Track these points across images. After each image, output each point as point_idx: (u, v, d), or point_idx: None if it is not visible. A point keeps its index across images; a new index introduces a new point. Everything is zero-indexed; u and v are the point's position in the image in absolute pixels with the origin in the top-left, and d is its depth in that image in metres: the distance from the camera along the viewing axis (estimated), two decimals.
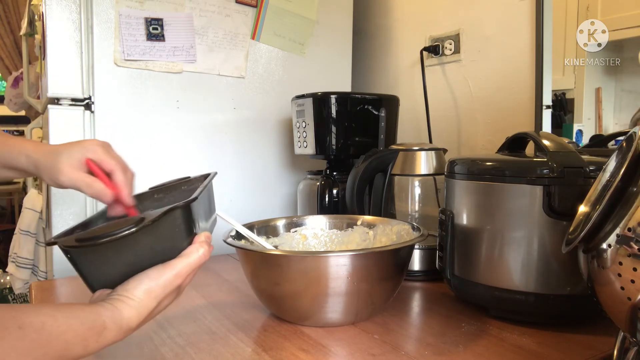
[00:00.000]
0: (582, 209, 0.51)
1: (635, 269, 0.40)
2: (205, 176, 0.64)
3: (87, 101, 0.98)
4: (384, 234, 0.80)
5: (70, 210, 0.98)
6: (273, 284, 0.65)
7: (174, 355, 0.58)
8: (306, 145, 1.07)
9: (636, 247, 0.40)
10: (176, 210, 0.47)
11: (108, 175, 0.57)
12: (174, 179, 0.69)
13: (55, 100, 0.96)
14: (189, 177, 0.69)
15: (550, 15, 0.95)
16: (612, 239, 0.42)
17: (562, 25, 0.96)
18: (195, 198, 0.50)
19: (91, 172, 0.57)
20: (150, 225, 0.44)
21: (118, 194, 0.56)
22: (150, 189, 0.69)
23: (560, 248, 0.52)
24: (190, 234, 0.50)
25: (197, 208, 0.52)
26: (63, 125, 0.97)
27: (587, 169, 0.60)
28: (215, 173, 0.65)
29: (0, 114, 3.67)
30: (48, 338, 0.37)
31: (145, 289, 0.45)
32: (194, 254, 0.48)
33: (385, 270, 0.66)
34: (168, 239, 0.48)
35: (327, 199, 1.05)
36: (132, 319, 0.43)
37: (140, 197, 0.64)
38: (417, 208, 0.91)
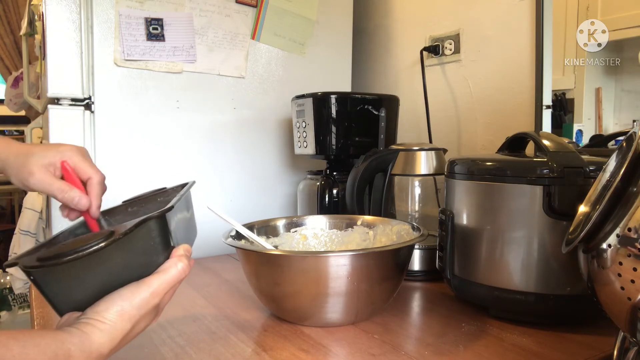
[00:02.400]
0: (582, 209, 0.51)
1: (635, 269, 0.40)
2: (183, 185, 0.60)
3: (87, 101, 0.98)
4: (384, 234, 0.80)
5: None
6: (273, 284, 0.65)
7: (174, 355, 0.58)
8: (306, 145, 1.07)
9: (636, 247, 0.40)
10: (150, 221, 0.43)
11: (83, 183, 0.54)
12: (149, 190, 0.65)
13: (55, 100, 0.96)
14: (165, 188, 0.65)
15: (550, 15, 0.95)
16: (612, 239, 0.42)
17: (562, 25, 0.96)
18: (171, 207, 0.45)
19: (63, 178, 0.53)
20: (121, 239, 0.41)
21: (85, 204, 0.53)
22: (123, 202, 0.64)
23: (560, 248, 0.52)
24: (167, 248, 0.46)
25: (174, 218, 0.48)
26: (63, 125, 0.97)
27: (587, 169, 0.60)
28: (194, 182, 0.61)
29: (0, 114, 3.67)
30: None
31: (117, 311, 0.40)
32: (172, 269, 0.44)
33: (385, 270, 0.66)
34: (142, 253, 0.44)
35: (327, 199, 1.05)
36: (104, 344, 0.39)
37: (112, 212, 0.60)
38: (417, 208, 0.91)
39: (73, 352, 0.37)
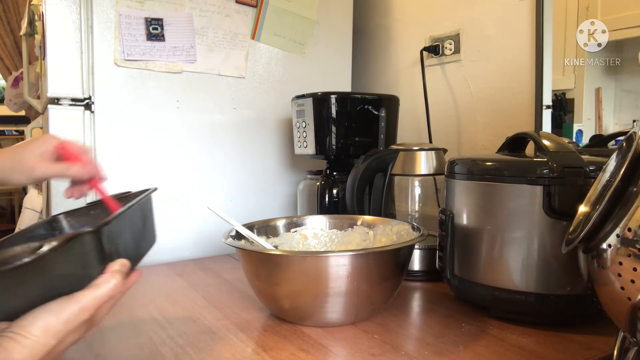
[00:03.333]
0: (582, 209, 0.51)
1: (635, 269, 0.40)
2: (146, 191, 0.59)
3: (87, 101, 0.98)
4: (384, 234, 0.80)
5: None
6: (273, 284, 0.65)
7: (174, 355, 0.58)
8: (306, 145, 1.07)
9: (636, 247, 0.40)
10: (83, 236, 0.42)
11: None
12: (112, 194, 0.64)
13: (55, 100, 0.96)
14: (129, 192, 0.64)
15: (550, 15, 0.95)
16: (612, 239, 0.42)
17: (562, 25, 0.96)
18: (107, 222, 0.45)
19: (60, 159, 0.57)
20: (51, 254, 0.39)
21: (92, 171, 0.58)
22: (87, 204, 0.63)
23: (560, 248, 0.52)
24: (102, 261, 0.44)
25: (117, 231, 0.47)
26: (63, 125, 0.96)
27: (587, 169, 0.60)
28: (155, 189, 0.60)
29: (0, 114, 3.67)
30: None
31: (42, 326, 0.39)
32: (104, 285, 0.43)
33: (385, 270, 0.66)
34: (75, 267, 0.43)
35: (327, 199, 1.05)
36: None
37: (75, 213, 0.60)
38: (417, 208, 0.91)
39: None
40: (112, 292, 0.44)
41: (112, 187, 1.07)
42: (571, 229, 0.51)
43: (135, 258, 0.51)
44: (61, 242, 0.40)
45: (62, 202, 0.98)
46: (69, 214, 0.59)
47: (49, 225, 0.58)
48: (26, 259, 0.38)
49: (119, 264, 0.46)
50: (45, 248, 0.40)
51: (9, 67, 3.24)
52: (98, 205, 0.61)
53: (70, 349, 0.60)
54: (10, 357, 0.37)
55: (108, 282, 0.43)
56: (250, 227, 0.77)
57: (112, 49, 0.99)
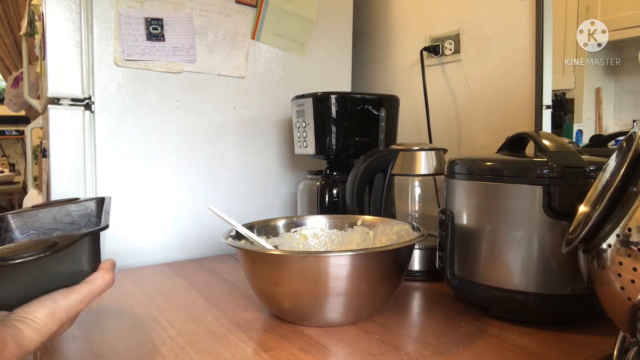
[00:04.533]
0: (582, 209, 0.51)
1: (635, 269, 0.40)
2: (99, 199, 0.63)
3: (87, 101, 0.98)
4: (384, 234, 0.80)
5: None
6: (273, 284, 0.65)
7: (174, 355, 0.58)
8: (306, 145, 1.08)
9: (636, 247, 0.40)
10: (87, 236, 0.47)
11: None
12: (61, 199, 0.66)
13: (55, 100, 0.96)
14: (77, 198, 0.67)
15: (550, 15, 0.95)
16: (612, 239, 0.42)
17: (562, 25, 0.96)
18: (107, 226, 0.50)
19: None
20: (62, 251, 0.44)
21: None
22: (32, 206, 0.65)
23: (560, 248, 0.52)
24: (96, 260, 0.50)
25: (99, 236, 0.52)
26: (63, 125, 0.97)
27: (587, 169, 0.60)
28: (110, 198, 0.64)
29: (0, 114, 3.67)
30: None
31: (48, 312, 0.44)
32: (99, 280, 0.49)
33: (385, 270, 0.66)
34: (75, 264, 0.48)
35: (327, 199, 1.05)
36: (33, 340, 0.43)
37: (22, 214, 0.61)
38: (417, 208, 0.91)
39: (8, 343, 0.41)
40: (105, 287, 0.49)
41: (112, 187, 1.08)
42: (571, 229, 0.51)
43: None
44: (66, 243, 0.44)
45: None
46: (16, 214, 0.60)
47: None
48: (30, 256, 0.42)
49: (109, 263, 0.51)
50: (47, 248, 0.43)
51: (9, 67, 3.25)
52: (44, 208, 0.63)
53: (70, 349, 0.61)
54: (22, 336, 0.42)
55: (102, 277, 0.49)
56: (250, 227, 0.77)
57: (112, 49, 0.99)
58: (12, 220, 0.59)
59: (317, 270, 0.62)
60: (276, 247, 0.78)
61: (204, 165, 1.12)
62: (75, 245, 0.46)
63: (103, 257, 0.51)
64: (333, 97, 1.03)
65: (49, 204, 0.64)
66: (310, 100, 1.04)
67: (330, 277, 0.61)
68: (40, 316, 0.44)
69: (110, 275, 0.50)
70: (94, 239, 0.49)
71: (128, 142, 1.03)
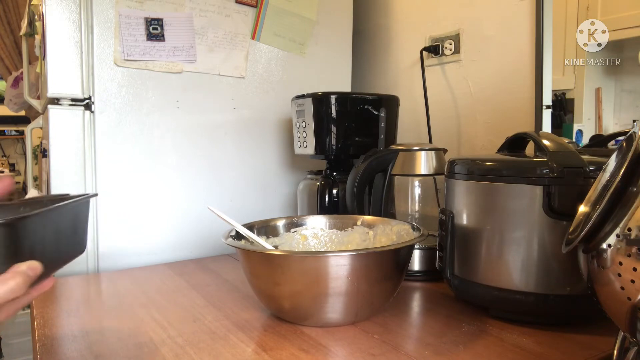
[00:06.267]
0: (582, 209, 0.51)
1: (635, 269, 0.40)
2: (89, 196, 0.55)
3: (87, 101, 0.98)
4: (384, 234, 0.80)
5: None
6: (273, 284, 0.65)
7: (174, 355, 0.58)
8: (306, 145, 1.08)
9: (636, 247, 0.40)
10: None
11: None
12: (50, 194, 0.60)
13: (55, 100, 0.96)
14: (68, 194, 0.60)
15: (550, 15, 0.95)
16: (612, 239, 0.42)
17: (562, 25, 0.96)
18: (25, 217, 0.41)
19: None
20: None
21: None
22: (19, 200, 0.60)
23: (560, 248, 0.52)
24: (11, 259, 0.40)
25: (36, 229, 0.43)
26: (63, 125, 0.97)
27: (587, 169, 0.60)
28: (96, 194, 0.58)
29: (0, 114, 3.67)
30: None
31: None
32: (1, 285, 0.38)
33: (385, 270, 0.66)
34: None
35: (327, 199, 1.05)
36: None
37: (4, 209, 0.56)
38: (417, 208, 0.91)
39: None
40: (10, 295, 0.38)
41: (112, 187, 1.07)
42: (571, 229, 0.51)
43: (53, 264, 0.47)
44: None
45: None
46: None
47: None
48: None
49: (27, 266, 0.40)
50: None
51: (9, 67, 3.24)
52: (29, 204, 0.57)
53: (70, 349, 0.60)
54: None
55: (6, 282, 0.38)
56: (250, 227, 0.77)
57: (112, 49, 0.99)
58: None
59: (317, 270, 0.62)
60: (276, 247, 0.78)
61: (204, 165, 1.12)
62: None
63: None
64: (333, 97, 1.03)
65: (33, 199, 0.59)
66: (310, 100, 1.04)
67: (330, 277, 0.61)
68: None
69: (18, 281, 0.38)
70: (10, 230, 0.39)
71: (128, 142, 1.03)
